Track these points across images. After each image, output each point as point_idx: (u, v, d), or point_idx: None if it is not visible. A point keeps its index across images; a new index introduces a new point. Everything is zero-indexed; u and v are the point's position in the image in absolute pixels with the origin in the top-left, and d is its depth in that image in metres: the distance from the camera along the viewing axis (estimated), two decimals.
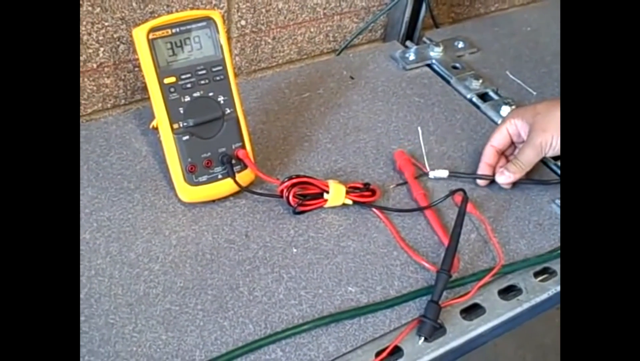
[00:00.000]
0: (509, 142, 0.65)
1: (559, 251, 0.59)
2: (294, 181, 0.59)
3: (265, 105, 0.74)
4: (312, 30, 0.85)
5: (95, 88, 0.71)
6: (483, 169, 0.65)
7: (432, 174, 0.65)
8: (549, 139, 0.61)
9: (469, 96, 0.78)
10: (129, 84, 0.73)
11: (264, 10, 0.78)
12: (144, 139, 0.67)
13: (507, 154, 0.67)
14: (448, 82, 0.81)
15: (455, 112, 0.76)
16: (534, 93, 0.80)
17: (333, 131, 0.71)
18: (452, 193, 0.61)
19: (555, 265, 0.58)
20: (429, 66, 0.83)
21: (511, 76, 0.83)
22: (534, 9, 1.01)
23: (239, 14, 0.77)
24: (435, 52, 0.83)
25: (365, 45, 0.92)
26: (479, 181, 0.65)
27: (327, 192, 0.59)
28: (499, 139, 0.65)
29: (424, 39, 0.89)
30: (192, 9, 0.72)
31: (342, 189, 0.60)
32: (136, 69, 0.73)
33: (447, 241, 0.56)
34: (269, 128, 0.70)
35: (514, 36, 0.92)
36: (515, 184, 0.65)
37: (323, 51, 0.88)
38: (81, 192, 0.60)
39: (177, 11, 0.71)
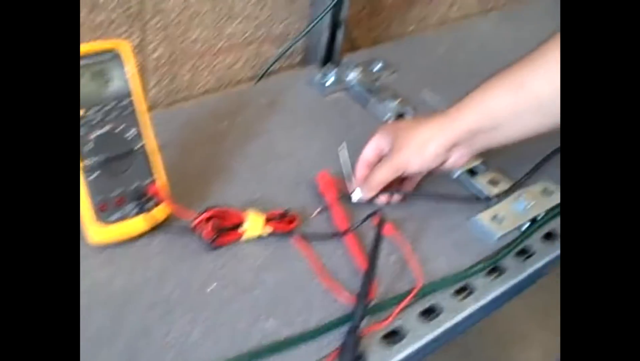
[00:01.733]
0: (378, 155, 0.66)
1: (477, 267, 0.60)
2: (210, 213, 0.58)
3: (184, 136, 0.72)
4: (230, 58, 0.84)
5: None
6: (356, 183, 0.66)
7: (355, 194, 0.65)
8: (404, 158, 0.62)
9: (386, 117, 0.79)
10: None
11: (178, 40, 0.77)
12: None
13: None
14: (366, 104, 0.82)
15: (373, 134, 0.76)
16: None
17: (252, 159, 0.70)
18: (370, 215, 0.61)
19: (474, 282, 0.59)
20: (346, 89, 0.84)
21: (428, 97, 0.84)
22: (450, 30, 1.04)
23: (153, 45, 0.76)
24: (353, 76, 0.84)
25: (286, 71, 0.92)
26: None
27: (244, 223, 0.58)
28: (368, 154, 0.66)
29: (343, 61, 0.90)
30: (103, 39, 0.70)
31: (261, 218, 0.59)
32: None
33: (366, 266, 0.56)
34: (187, 160, 0.69)
35: (430, 56, 0.94)
36: (433, 203, 0.66)
37: (243, 78, 0.88)
38: None
39: (87, 42, 0.69)
